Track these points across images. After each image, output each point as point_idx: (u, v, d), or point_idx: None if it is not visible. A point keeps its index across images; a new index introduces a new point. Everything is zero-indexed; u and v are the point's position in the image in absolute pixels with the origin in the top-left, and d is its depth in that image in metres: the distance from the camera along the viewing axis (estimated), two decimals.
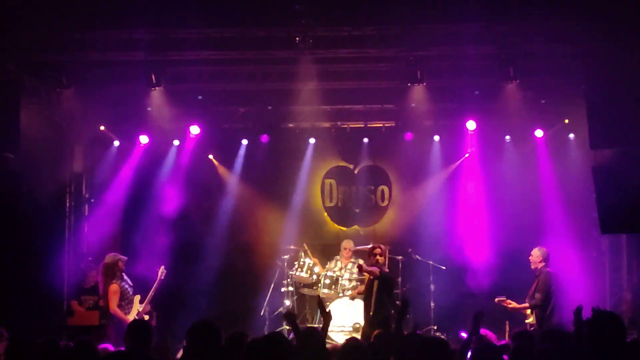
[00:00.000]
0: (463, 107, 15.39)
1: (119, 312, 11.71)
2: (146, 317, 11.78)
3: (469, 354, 6.79)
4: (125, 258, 12.14)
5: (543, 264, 12.50)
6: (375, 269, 11.66)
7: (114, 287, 11.81)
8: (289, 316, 7.89)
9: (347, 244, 15.02)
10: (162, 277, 12.37)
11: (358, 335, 11.72)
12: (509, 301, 12.48)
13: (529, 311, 12.33)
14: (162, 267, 12.43)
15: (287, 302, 14.59)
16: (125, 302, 11.89)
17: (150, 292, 12.14)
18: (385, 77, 14.20)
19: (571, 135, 15.34)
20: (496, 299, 12.56)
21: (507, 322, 12.49)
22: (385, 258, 12.26)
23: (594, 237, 14.97)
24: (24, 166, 12.65)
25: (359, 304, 13.53)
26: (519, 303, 12.38)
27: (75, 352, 6.71)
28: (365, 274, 12.27)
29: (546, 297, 12.11)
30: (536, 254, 12.64)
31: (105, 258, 12.16)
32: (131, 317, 11.72)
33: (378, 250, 12.10)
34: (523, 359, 6.76)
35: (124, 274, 12.07)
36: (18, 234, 12.42)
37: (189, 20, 12.12)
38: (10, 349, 7.02)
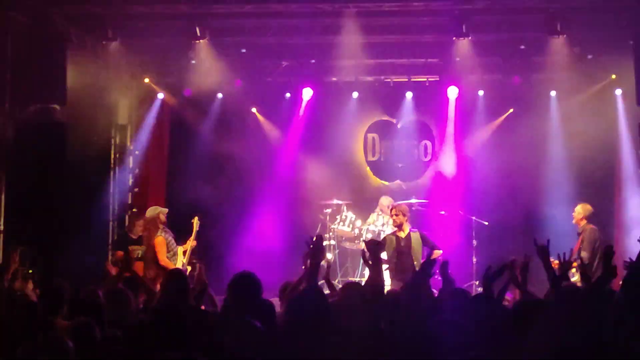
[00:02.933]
0: (508, 62, 15.23)
1: (170, 264, 11.83)
2: (188, 269, 11.92)
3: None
4: (166, 210, 12.25)
5: (585, 221, 12.41)
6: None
7: (159, 239, 11.92)
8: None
9: (386, 201, 14.86)
10: (198, 228, 12.44)
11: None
12: (556, 262, 12.37)
13: (574, 270, 12.22)
14: (196, 217, 12.51)
15: (329, 256, 14.66)
16: (170, 253, 12.01)
17: (190, 244, 12.24)
18: (429, 30, 14.06)
19: (618, 91, 15.12)
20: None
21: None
22: (404, 215, 12.28)
23: (639, 194, 14.82)
24: (70, 118, 12.80)
25: None
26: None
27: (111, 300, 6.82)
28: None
29: (592, 255, 12.02)
30: (578, 210, 12.54)
31: (147, 211, 12.29)
32: None
33: (393, 211, 12.34)
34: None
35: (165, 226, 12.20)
36: (64, 184, 12.60)
37: None
38: (42, 295, 7.11)
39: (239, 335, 5.25)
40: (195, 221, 12.42)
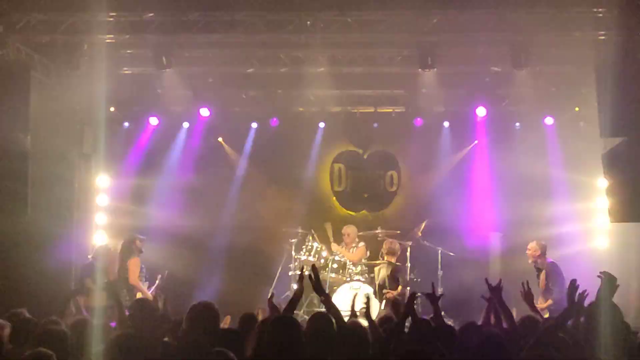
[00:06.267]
0: (473, 94, 15.37)
1: (140, 285, 11.85)
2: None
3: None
4: (143, 237, 12.31)
5: (542, 257, 12.48)
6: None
7: (135, 260, 12.00)
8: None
9: (349, 229, 15.03)
10: (160, 282, 12.51)
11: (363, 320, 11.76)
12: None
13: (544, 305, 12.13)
14: (160, 276, 12.57)
15: (295, 286, 14.56)
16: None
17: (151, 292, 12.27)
18: (395, 62, 14.16)
19: (581, 123, 15.29)
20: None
21: (514, 310, 12.43)
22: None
23: (603, 226, 14.93)
24: (34, 146, 12.65)
25: (366, 288, 13.62)
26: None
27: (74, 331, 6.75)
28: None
29: (562, 289, 12.05)
30: (534, 247, 12.58)
31: (124, 236, 12.37)
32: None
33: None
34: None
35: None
36: (26, 214, 12.44)
37: (200, 3, 12.10)
38: (14, 334, 7.03)
39: None
40: (159, 278, 12.49)
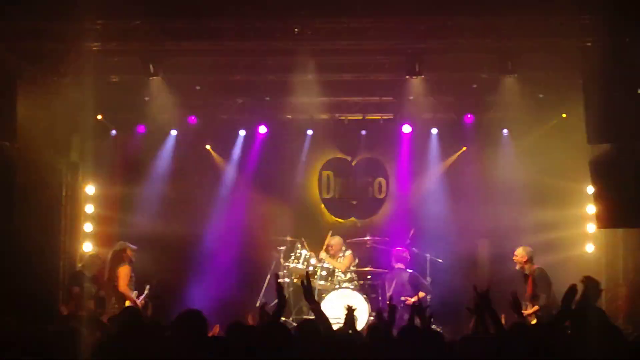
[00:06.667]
0: (461, 101, 15.41)
1: (128, 292, 11.86)
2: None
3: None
4: (134, 247, 12.32)
5: (530, 263, 12.49)
6: None
7: (125, 268, 12.04)
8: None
9: (333, 240, 15.03)
10: (148, 292, 12.53)
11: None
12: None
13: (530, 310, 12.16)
14: (148, 286, 12.55)
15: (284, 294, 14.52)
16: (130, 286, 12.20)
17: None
18: (383, 69, 14.15)
19: (569, 130, 15.31)
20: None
21: (503, 315, 12.43)
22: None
23: (590, 232, 14.97)
24: (21, 155, 12.61)
25: (355, 295, 13.64)
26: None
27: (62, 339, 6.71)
28: None
29: (549, 294, 12.08)
30: (521, 253, 12.59)
31: (115, 245, 12.41)
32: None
33: None
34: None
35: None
36: (13, 223, 12.39)
37: (187, 10, 12.09)
38: None
39: None
40: (147, 289, 12.51)
